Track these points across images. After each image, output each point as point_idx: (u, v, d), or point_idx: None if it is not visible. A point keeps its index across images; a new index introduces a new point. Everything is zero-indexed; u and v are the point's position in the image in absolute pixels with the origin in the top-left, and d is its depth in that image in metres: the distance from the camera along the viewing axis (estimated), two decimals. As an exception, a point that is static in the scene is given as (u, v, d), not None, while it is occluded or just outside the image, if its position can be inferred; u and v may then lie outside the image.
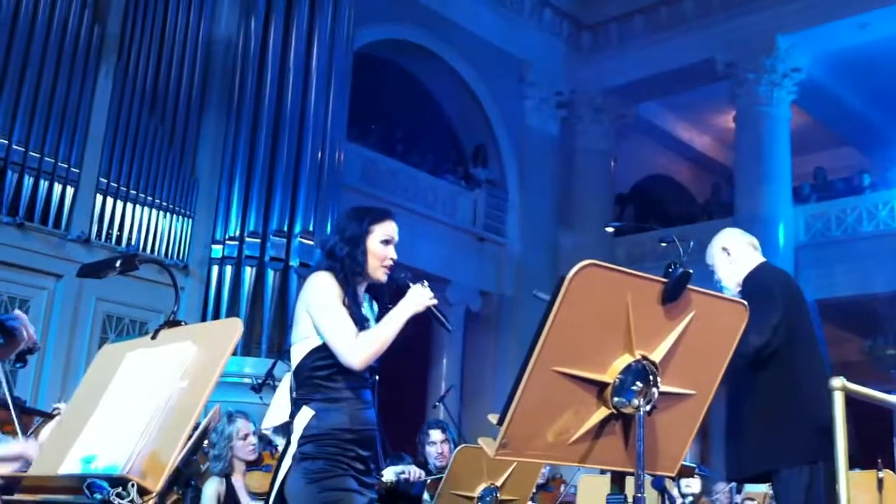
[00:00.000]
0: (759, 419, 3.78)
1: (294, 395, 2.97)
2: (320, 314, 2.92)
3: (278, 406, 3.03)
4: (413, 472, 5.26)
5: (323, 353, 2.91)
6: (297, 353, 2.98)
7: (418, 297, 2.95)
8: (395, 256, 3.09)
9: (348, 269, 3.01)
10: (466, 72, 14.54)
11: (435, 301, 2.98)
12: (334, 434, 2.86)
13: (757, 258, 4.09)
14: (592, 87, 15.88)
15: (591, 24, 16.11)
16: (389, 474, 5.40)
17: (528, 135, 15.25)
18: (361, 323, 2.95)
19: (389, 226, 3.12)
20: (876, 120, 16.32)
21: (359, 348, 2.86)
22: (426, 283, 2.97)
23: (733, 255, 4.07)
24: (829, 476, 3.54)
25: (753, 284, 3.90)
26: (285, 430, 3.00)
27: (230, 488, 4.60)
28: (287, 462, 2.88)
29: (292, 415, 2.95)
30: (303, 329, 2.97)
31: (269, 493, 2.94)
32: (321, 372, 2.91)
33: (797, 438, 3.69)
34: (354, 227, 3.08)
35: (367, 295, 3.14)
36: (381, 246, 3.06)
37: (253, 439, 4.76)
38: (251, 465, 4.76)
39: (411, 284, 2.99)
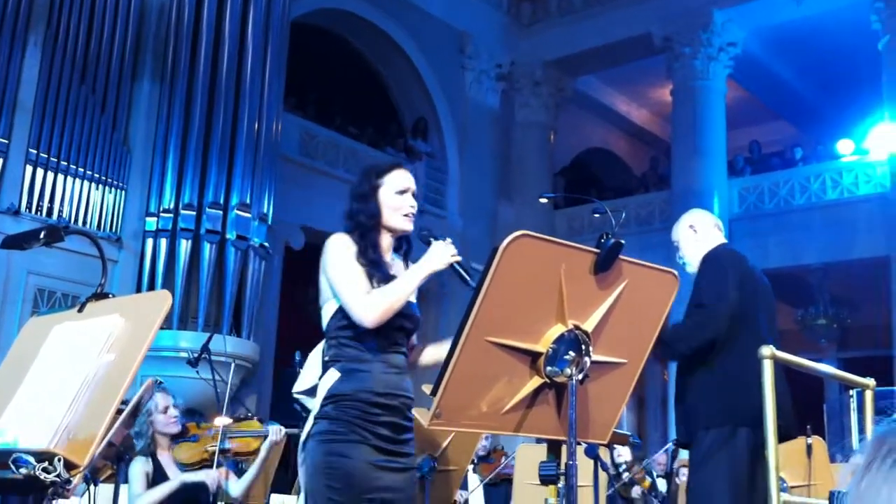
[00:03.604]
0: (696, 390, 3.87)
1: (325, 357, 2.93)
2: (331, 274, 2.87)
3: (310, 369, 2.97)
4: None
5: (346, 314, 2.85)
6: (325, 315, 2.93)
7: (439, 254, 2.79)
8: (414, 204, 3.00)
9: (363, 224, 2.94)
10: (407, 43, 14.46)
11: (458, 258, 2.81)
12: (358, 396, 2.79)
13: (718, 238, 4.16)
14: (532, 60, 15.92)
15: (531, -4, 16.12)
16: None
17: (468, 107, 15.25)
18: (385, 279, 2.86)
19: (400, 174, 3.01)
20: (809, 94, 16.63)
21: (369, 304, 2.76)
22: (449, 240, 2.84)
23: (700, 233, 4.14)
24: (754, 444, 3.65)
25: (710, 268, 3.96)
26: (313, 392, 2.94)
27: (157, 465, 4.52)
28: (310, 423, 2.84)
29: (321, 377, 2.90)
30: (325, 292, 2.92)
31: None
32: (346, 332, 2.85)
33: (719, 403, 3.78)
34: (364, 184, 3.01)
35: (398, 255, 3.06)
36: (397, 196, 2.97)
37: (174, 412, 4.63)
38: (177, 438, 4.67)
39: (433, 241, 2.85)
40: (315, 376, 2.95)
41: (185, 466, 4.61)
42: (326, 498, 2.73)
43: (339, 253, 2.88)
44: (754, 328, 3.86)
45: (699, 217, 4.24)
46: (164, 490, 4.45)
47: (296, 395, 3.01)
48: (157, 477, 4.48)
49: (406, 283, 2.82)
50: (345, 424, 2.77)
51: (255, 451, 4.89)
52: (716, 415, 3.78)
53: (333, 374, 2.84)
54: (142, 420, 4.49)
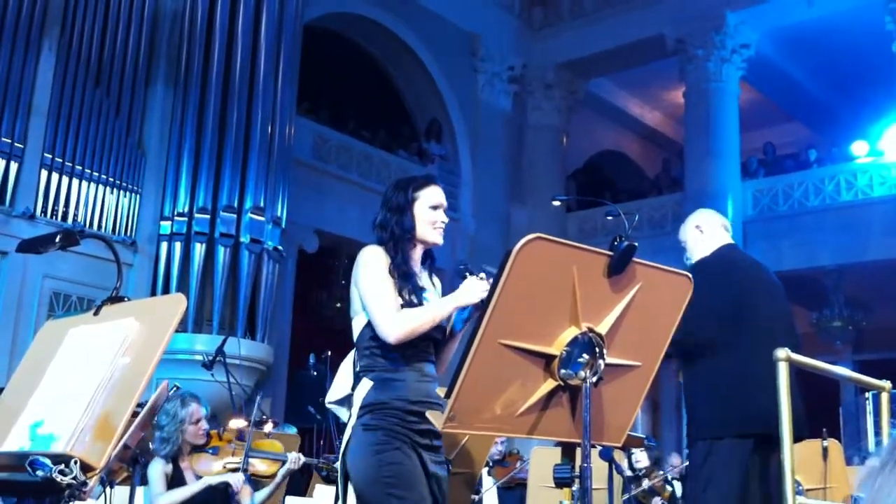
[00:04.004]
0: (694, 396, 3.88)
1: (356, 368, 2.96)
2: (362, 286, 2.91)
3: (341, 380, 2.99)
4: None
5: None
6: (356, 326, 2.97)
7: (473, 290, 2.84)
8: (445, 220, 3.08)
9: (397, 237, 2.99)
10: (419, 46, 14.47)
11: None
12: (394, 405, 2.83)
13: (724, 239, 4.14)
14: (544, 63, 15.90)
15: (544, -1, 16.13)
16: None
17: (481, 110, 15.24)
18: (415, 291, 2.93)
19: (435, 190, 3.09)
20: (822, 95, 16.56)
21: (396, 323, 2.82)
22: (484, 276, 2.87)
23: (706, 233, 4.13)
24: (749, 453, 3.65)
25: (703, 270, 3.93)
26: (347, 402, 2.96)
27: (177, 470, 4.54)
28: (348, 433, 2.87)
29: (354, 388, 2.93)
30: (356, 303, 2.97)
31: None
32: (378, 342, 2.88)
33: (714, 412, 3.78)
34: (399, 197, 3.05)
35: (424, 268, 3.11)
36: (430, 211, 3.04)
37: (204, 424, 4.67)
38: (197, 448, 4.69)
39: (468, 275, 2.91)
40: (347, 386, 2.97)
41: (200, 478, 4.62)
42: None
43: (372, 266, 2.93)
44: (752, 331, 3.82)
45: (706, 217, 4.22)
46: (186, 492, 4.47)
47: (328, 405, 3.03)
48: (176, 482, 4.50)
49: (435, 311, 2.87)
50: (386, 433, 2.81)
51: (272, 476, 4.91)
52: (710, 425, 3.77)
53: (367, 384, 2.87)
54: (172, 427, 4.51)
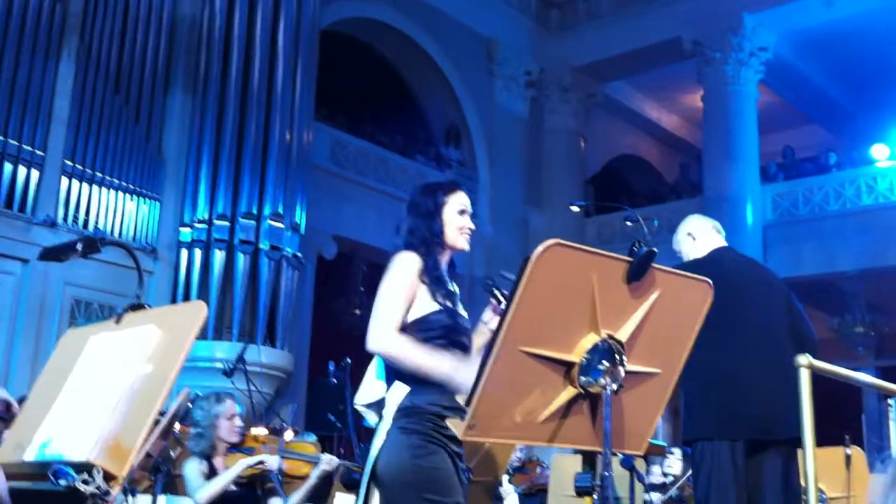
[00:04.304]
0: (692, 397, 3.89)
1: (389, 371, 2.94)
2: (381, 288, 2.91)
3: (370, 382, 2.98)
4: None
5: (418, 328, 2.87)
6: None
7: (467, 378, 2.67)
8: (472, 226, 3.09)
9: (428, 242, 2.99)
10: (435, 51, 14.48)
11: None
12: (430, 409, 2.81)
13: (716, 242, 4.12)
14: (560, 66, 15.88)
15: (560, 1, 16.10)
16: None
17: (497, 114, 15.23)
18: (449, 296, 2.94)
19: (462, 195, 3.10)
20: (842, 98, 16.46)
21: (387, 341, 2.80)
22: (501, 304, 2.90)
23: (698, 238, 4.11)
24: (735, 455, 3.66)
25: (693, 272, 3.92)
26: (377, 407, 2.94)
27: (211, 469, 4.57)
28: (381, 438, 2.83)
29: (387, 391, 2.92)
30: None
31: (365, 469, 2.88)
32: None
33: (696, 419, 3.81)
34: (428, 202, 3.05)
35: (448, 273, 3.10)
36: (458, 216, 3.05)
37: (238, 421, 4.70)
38: (234, 447, 4.71)
39: (496, 291, 2.98)
40: (379, 390, 2.95)
41: (235, 477, 4.64)
42: None
43: (401, 273, 2.92)
44: (742, 333, 3.81)
45: (695, 223, 4.20)
46: (227, 477, 4.49)
47: (356, 407, 3.01)
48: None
49: (428, 365, 2.80)
50: (424, 437, 2.79)
51: (304, 477, 4.92)
52: (704, 426, 3.78)
53: (402, 388, 2.85)
54: (206, 423, 4.55)
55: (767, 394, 3.72)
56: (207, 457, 4.58)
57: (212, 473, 4.55)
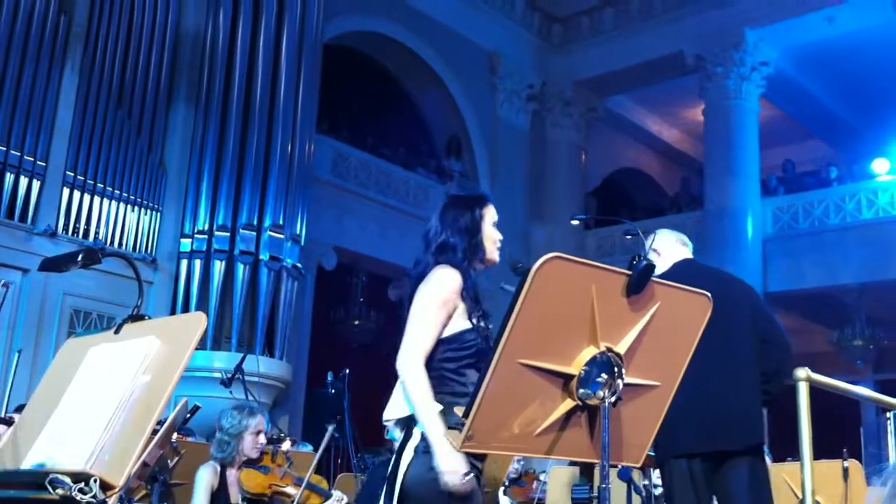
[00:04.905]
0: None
1: None
2: (419, 304, 2.84)
3: (398, 398, 2.93)
4: None
5: (452, 346, 2.82)
6: None
7: (456, 471, 2.68)
8: (502, 237, 3.07)
9: (471, 258, 2.95)
10: (438, 64, 14.52)
11: (463, 479, 2.73)
12: (460, 429, 2.78)
13: (681, 255, 4.10)
14: (563, 80, 15.93)
15: (562, 16, 16.16)
16: None
17: (499, 127, 15.27)
18: (484, 316, 2.89)
19: (493, 208, 3.10)
20: (843, 113, 16.49)
21: (408, 367, 2.76)
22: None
23: (663, 254, 4.08)
24: (692, 470, 3.67)
25: None
26: (404, 423, 2.88)
27: (223, 481, 4.57)
28: (409, 454, 2.78)
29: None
30: None
31: (387, 484, 2.82)
32: (450, 364, 2.82)
33: (662, 436, 3.82)
34: (468, 217, 3.01)
35: None
36: (493, 229, 3.04)
37: (262, 438, 4.72)
38: (248, 463, 4.72)
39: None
40: (406, 407, 2.90)
41: (245, 492, 4.64)
42: None
43: (441, 291, 2.84)
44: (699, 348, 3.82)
45: (661, 239, 4.17)
46: None
47: (385, 422, 2.98)
48: (220, 494, 4.53)
49: (423, 414, 2.72)
50: None
51: None
52: (662, 446, 3.75)
53: (435, 406, 2.79)
54: (233, 432, 4.57)
55: (723, 406, 3.72)
56: (223, 466, 4.59)
57: (222, 483, 4.56)
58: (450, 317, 2.86)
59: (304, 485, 4.77)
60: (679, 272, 3.94)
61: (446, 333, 2.85)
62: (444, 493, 2.69)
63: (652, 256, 4.12)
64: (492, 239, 3.02)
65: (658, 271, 4.04)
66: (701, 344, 3.76)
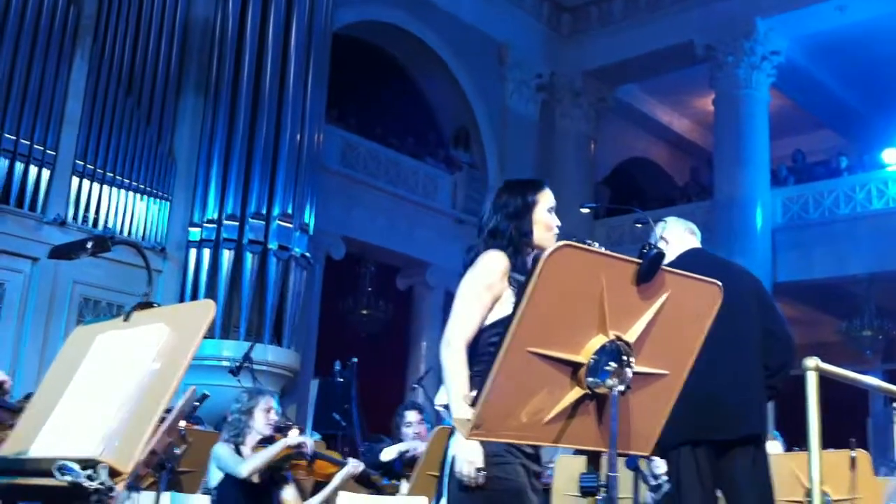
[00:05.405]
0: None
1: (471, 372, 2.81)
2: (464, 287, 2.84)
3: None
4: (419, 447, 5.34)
5: (497, 330, 2.76)
6: None
7: (469, 463, 2.69)
8: (559, 223, 3.04)
9: (517, 242, 2.93)
10: (446, 54, 14.48)
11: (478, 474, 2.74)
12: None
13: (690, 244, 4.09)
14: (572, 70, 15.87)
15: (571, 6, 16.10)
16: (392, 453, 5.47)
17: (508, 117, 15.23)
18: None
19: (550, 193, 3.07)
20: (853, 103, 16.41)
21: (448, 353, 2.74)
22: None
23: (671, 243, 4.07)
24: (697, 458, 3.69)
25: None
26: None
27: (239, 455, 4.69)
28: (457, 438, 2.77)
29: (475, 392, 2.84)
30: None
31: (441, 468, 2.83)
32: (495, 349, 2.82)
33: (670, 423, 3.82)
34: (518, 201, 3.00)
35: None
36: (549, 215, 3.02)
37: (273, 416, 4.83)
38: (263, 441, 4.80)
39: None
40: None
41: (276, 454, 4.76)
42: None
43: (486, 275, 2.83)
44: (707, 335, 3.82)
45: (670, 227, 4.17)
46: (271, 452, 4.64)
47: (437, 408, 2.96)
48: None
49: (454, 397, 2.71)
50: (502, 446, 2.72)
51: (327, 476, 4.99)
52: (668, 435, 3.76)
53: (466, 392, 2.76)
54: (244, 410, 4.69)
55: (728, 395, 3.73)
56: (237, 445, 4.67)
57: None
58: (496, 301, 2.83)
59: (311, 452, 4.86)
60: (685, 261, 3.93)
61: (492, 318, 2.82)
62: (486, 481, 2.67)
63: (660, 245, 4.11)
64: (546, 224, 2.99)
65: (665, 260, 4.04)
66: (707, 333, 3.77)
